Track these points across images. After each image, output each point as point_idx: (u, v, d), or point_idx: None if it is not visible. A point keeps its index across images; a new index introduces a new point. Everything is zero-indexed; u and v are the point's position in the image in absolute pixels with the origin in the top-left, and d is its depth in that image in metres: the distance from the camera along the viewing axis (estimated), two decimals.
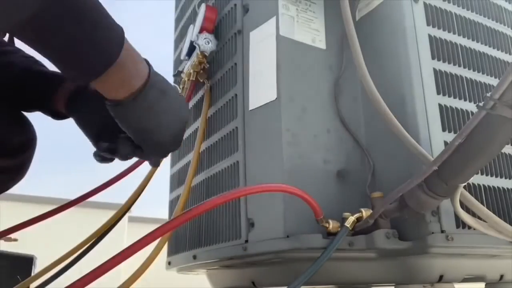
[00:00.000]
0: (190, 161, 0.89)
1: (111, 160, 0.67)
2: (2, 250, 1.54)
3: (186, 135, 1.01)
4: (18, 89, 0.70)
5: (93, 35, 0.45)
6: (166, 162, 0.96)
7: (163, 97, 0.54)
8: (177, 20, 1.21)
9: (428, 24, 0.73)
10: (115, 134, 0.62)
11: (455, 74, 0.72)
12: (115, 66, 0.47)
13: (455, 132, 0.68)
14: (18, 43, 0.75)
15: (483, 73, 0.76)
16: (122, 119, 0.54)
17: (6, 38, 0.72)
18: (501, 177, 0.70)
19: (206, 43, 0.89)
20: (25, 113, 0.71)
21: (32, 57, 0.74)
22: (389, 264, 0.67)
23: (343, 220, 0.63)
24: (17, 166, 0.68)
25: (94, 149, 0.67)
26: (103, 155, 0.66)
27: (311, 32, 0.77)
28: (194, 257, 0.87)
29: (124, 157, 0.64)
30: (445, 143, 0.66)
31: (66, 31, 0.43)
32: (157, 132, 0.55)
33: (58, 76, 0.71)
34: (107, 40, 0.46)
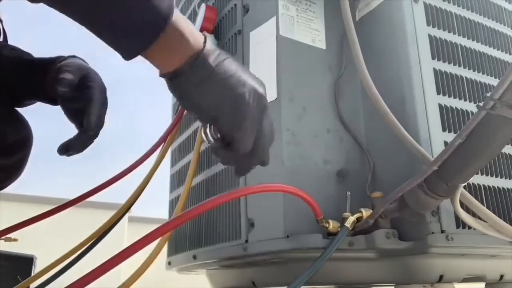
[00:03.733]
0: (190, 161, 0.89)
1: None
2: (2, 250, 1.53)
3: (186, 135, 1.01)
4: (10, 82, 0.69)
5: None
6: (166, 162, 0.96)
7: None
8: None
9: (428, 24, 0.73)
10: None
11: (455, 74, 0.72)
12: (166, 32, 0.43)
13: (455, 132, 0.68)
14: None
15: (483, 73, 0.76)
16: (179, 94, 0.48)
17: None
18: (501, 177, 0.70)
19: None
20: (21, 111, 0.71)
21: (19, 49, 0.74)
22: (389, 264, 0.67)
23: (343, 220, 0.63)
24: (14, 165, 0.68)
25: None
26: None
27: (311, 32, 0.77)
28: (194, 257, 0.87)
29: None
30: (445, 143, 0.66)
31: None
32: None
33: (46, 62, 0.70)
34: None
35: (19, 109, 0.71)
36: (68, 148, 0.63)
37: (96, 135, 0.66)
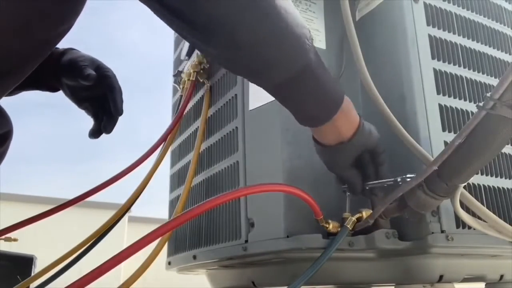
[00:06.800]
0: (190, 161, 0.89)
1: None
2: (2, 250, 1.53)
3: (186, 135, 1.01)
4: None
5: (329, 90, 0.55)
6: (166, 162, 0.96)
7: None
8: None
9: (428, 24, 0.73)
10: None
11: (455, 74, 0.72)
12: (338, 114, 0.56)
13: (455, 132, 0.68)
14: None
15: (483, 73, 0.76)
16: (323, 157, 0.63)
17: None
18: (501, 177, 0.70)
19: None
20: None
21: None
22: (389, 264, 0.67)
23: (343, 220, 0.63)
24: None
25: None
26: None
27: (311, 32, 0.77)
28: (194, 257, 0.87)
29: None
30: (445, 143, 0.66)
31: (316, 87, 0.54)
32: None
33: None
34: (335, 94, 0.56)
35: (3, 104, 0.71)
36: (100, 132, 0.72)
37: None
